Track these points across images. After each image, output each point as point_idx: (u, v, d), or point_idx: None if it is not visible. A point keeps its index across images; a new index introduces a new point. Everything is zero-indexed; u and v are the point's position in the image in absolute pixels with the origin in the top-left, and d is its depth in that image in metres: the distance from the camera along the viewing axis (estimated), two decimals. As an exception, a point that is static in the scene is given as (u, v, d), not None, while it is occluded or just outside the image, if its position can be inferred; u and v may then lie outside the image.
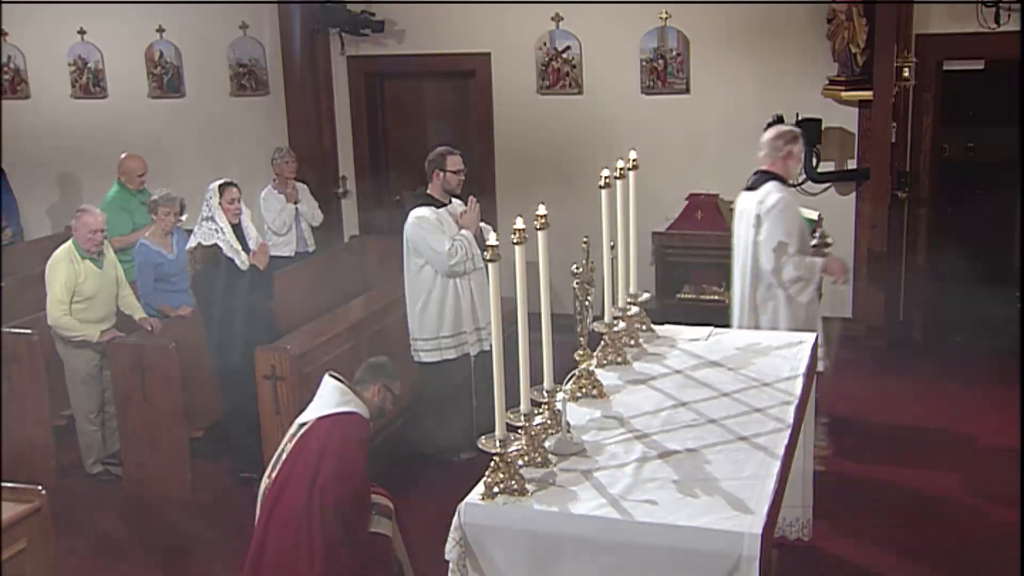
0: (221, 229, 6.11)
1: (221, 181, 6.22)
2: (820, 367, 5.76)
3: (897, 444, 6.53)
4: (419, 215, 6.26)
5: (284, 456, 4.53)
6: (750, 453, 3.71)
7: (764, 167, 5.97)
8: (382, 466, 6.29)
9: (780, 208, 5.77)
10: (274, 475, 4.52)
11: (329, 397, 4.59)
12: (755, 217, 5.81)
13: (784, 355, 4.71)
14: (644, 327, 4.95)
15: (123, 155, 8.01)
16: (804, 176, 8.33)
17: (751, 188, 5.99)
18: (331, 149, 9.69)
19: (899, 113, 7.93)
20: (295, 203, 8.23)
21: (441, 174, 6.33)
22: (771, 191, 5.83)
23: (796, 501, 4.93)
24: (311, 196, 8.47)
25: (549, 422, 3.80)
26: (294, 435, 4.56)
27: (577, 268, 4.06)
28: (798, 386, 4.33)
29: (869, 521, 5.58)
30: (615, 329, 4.62)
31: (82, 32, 10.33)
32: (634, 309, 4.80)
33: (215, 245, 6.09)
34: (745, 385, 4.35)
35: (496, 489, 3.45)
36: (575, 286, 4.07)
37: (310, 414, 4.58)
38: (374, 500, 4.61)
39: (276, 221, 8.14)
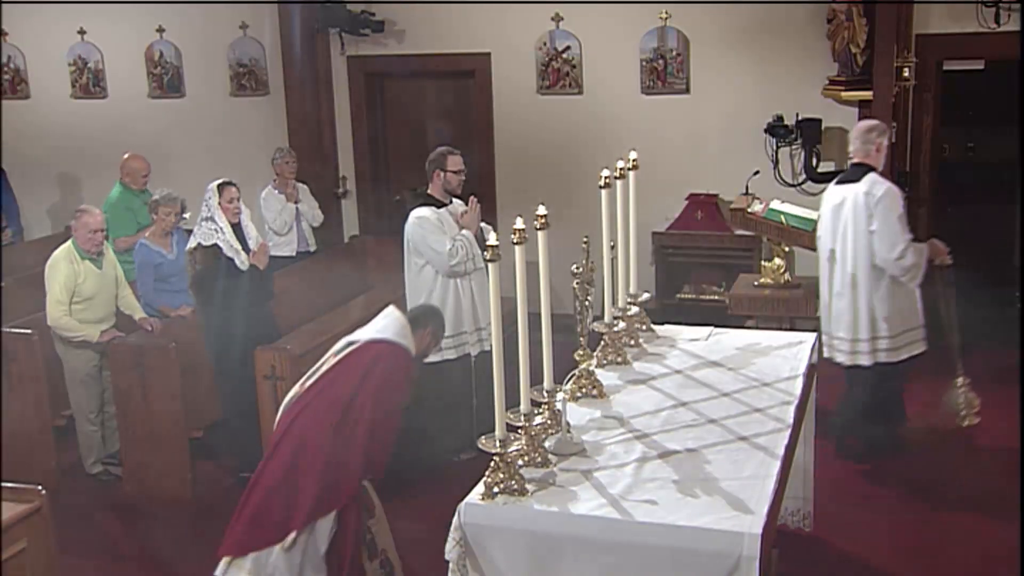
0: (221, 229, 6.10)
1: (220, 181, 6.22)
2: (921, 348, 6.08)
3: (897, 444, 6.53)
4: (420, 215, 6.26)
5: (323, 369, 4.52)
6: (750, 453, 3.71)
7: (857, 160, 6.07)
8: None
9: (891, 198, 5.90)
10: (308, 385, 4.52)
11: (389, 325, 4.58)
12: (864, 208, 5.90)
13: (784, 355, 4.71)
14: (644, 327, 4.95)
15: (126, 155, 8.02)
16: (804, 176, 8.34)
17: (846, 181, 6.08)
18: (331, 149, 9.69)
19: (899, 113, 7.92)
20: (296, 203, 8.24)
21: (442, 174, 6.33)
22: (876, 182, 5.95)
23: (797, 492, 4.94)
24: (311, 196, 8.48)
25: (549, 422, 3.80)
26: (339, 351, 4.56)
27: (577, 268, 4.06)
28: (798, 386, 4.33)
29: (869, 520, 5.59)
30: (615, 329, 4.63)
31: (82, 32, 10.33)
32: (634, 309, 4.81)
33: (215, 245, 6.09)
34: (745, 385, 4.35)
35: (496, 489, 3.46)
36: (575, 286, 4.07)
37: (362, 335, 4.57)
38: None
39: (277, 221, 8.14)
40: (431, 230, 6.21)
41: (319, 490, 4.33)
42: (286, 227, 8.19)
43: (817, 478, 5.07)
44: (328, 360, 4.58)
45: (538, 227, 3.62)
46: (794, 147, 8.30)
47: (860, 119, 8.14)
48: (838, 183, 6.17)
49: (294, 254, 8.19)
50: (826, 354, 6.16)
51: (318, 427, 4.38)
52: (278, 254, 7.71)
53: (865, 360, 6.02)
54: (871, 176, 5.98)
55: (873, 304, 5.97)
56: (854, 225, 5.95)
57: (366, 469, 4.45)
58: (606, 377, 4.40)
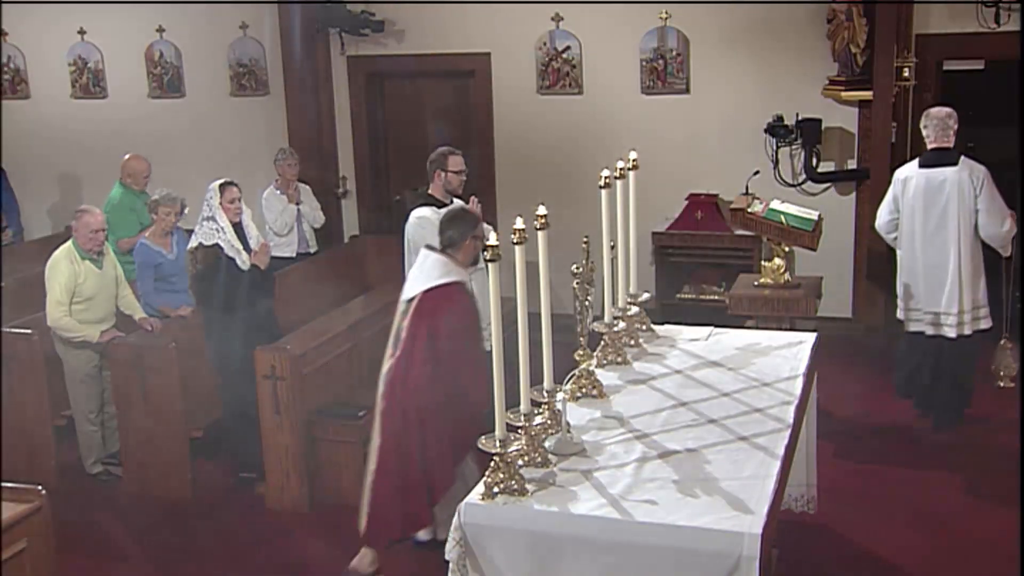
0: (222, 229, 6.11)
1: (222, 181, 6.22)
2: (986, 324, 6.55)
3: (897, 444, 6.54)
4: (420, 215, 6.25)
5: (403, 334, 4.85)
6: (750, 453, 3.71)
7: (938, 145, 6.40)
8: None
9: (990, 178, 6.38)
10: (397, 354, 4.84)
11: (432, 270, 4.87)
12: (970, 188, 6.32)
13: (784, 355, 4.71)
14: (644, 327, 4.95)
15: (127, 156, 8.01)
16: (804, 176, 8.34)
17: (934, 165, 6.39)
18: (331, 149, 9.69)
19: (899, 113, 7.93)
20: (297, 204, 8.23)
21: (442, 174, 6.33)
22: (973, 165, 6.38)
23: (801, 480, 4.94)
24: (313, 197, 8.47)
25: (549, 422, 3.80)
26: (405, 312, 4.91)
27: (577, 268, 4.06)
28: (798, 386, 4.33)
29: (869, 521, 5.58)
30: (615, 329, 4.62)
31: (82, 32, 10.33)
32: (634, 309, 4.80)
33: (216, 245, 6.09)
34: (745, 385, 4.35)
35: (496, 489, 3.46)
36: (575, 286, 4.08)
37: (414, 289, 4.88)
38: None
39: (278, 222, 8.13)
40: (431, 230, 6.18)
41: (450, 438, 4.73)
42: (287, 228, 8.18)
43: (819, 476, 5.06)
44: (401, 325, 4.90)
45: (538, 227, 3.62)
46: (794, 147, 8.30)
47: (860, 119, 8.17)
48: (923, 166, 6.43)
49: (295, 255, 8.17)
50: (913, 327, 6.57)
51: (417, 389, 4.70)
52: (279, 255, 7.70)
53: (968, 330, 6.43)
54: (965, 159, 6.37)
55: (974, 276, 6.41)
56: (959, 204, 6.32)
57: (474, 404, 4.72)
58: (606, 377, 4.40)
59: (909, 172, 6.51)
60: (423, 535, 5.19)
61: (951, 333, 6.39)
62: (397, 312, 4.97)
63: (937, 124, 6.37)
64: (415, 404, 4.76)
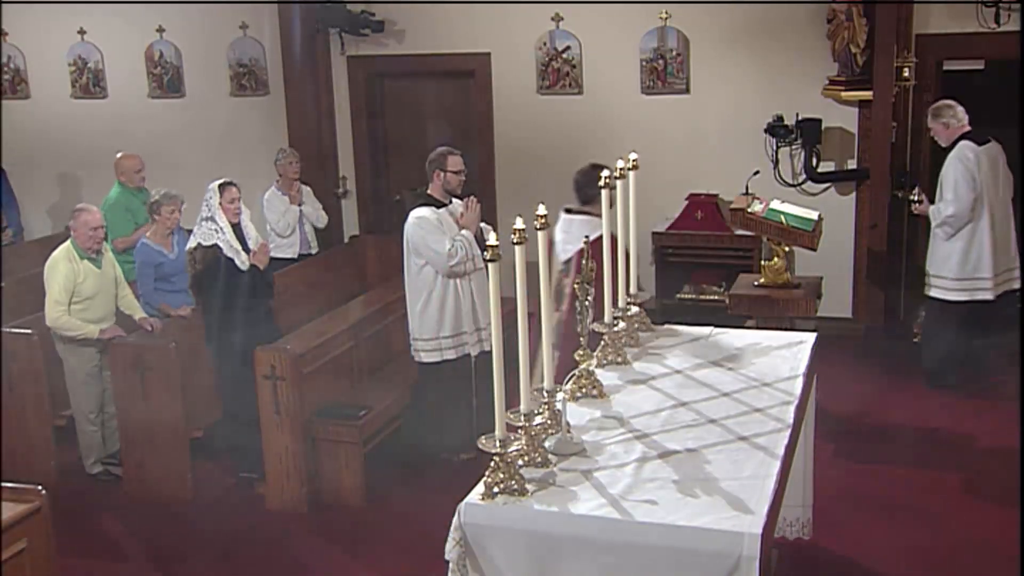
0: (221, 229, 6.11)
1: (221, 181, 6.22)
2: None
3: (897, 444, 6.54)
4: (419, 215, 6.26)
5: (567, 289, 5.29)
6: (750, 453, 3.71)
7: (967, 128, 7.09)
8: (382, 466, 6.30)
9: None
10: (566, 307, 5.38)
11: (580, 230, 5.40)
12: (1004, 159, 7.15)
13: (784, 355, 4.70)
14: (644, 327, 4.95)
15: (119, 155, 8.01)
16: (804, 176, 8.34)
17: (983, 142, 7.06)
18: (331, 149, 9.69)
19: (899, 113, 7.93)
20: (299, 205, 8.22)
21: (442, 174, 6.33)
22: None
23: (796, 500, 4.93)
24: (315, 198, 8.46)
25: (549, 422, 3.80)
26: (565, 271, 5.54)
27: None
28: (798, 386, 4.32)
29: (868, 521, 5.59)
30: (615, 329, 4.62)
31: (82, 32, 10.33)
32: (634, 309, 4.80)
33: (215, 245, 6.09)
34: (745, 385, 4.35)
35: (496, 489, 3.45)
36: (575, 286, 4.07)
37: (571, 250, 5.49)
38: None
39: (280, 223, 8.11)
40: (430, 230, 6.21)
41: None
42: (289, 229, 8.15)
43: (817, 479, 5.06)
44: (558, 283, 5.38)
45: (538, 227, 3.62)
46: (794, 147, 8.31)
47: (860, 119, 8.19)
48: (980, 144, 7.04)
49: (296, 256, 8.15)
50: (982, 296, 7.03)
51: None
52: (281, 256, 7.71)
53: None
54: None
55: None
56: (1005, 175, 7.14)
57: None
58: (606, 377, 4.40)
59: (974, 150, 7.04)
60: None
61: (1017, 284, 7.18)
62: (553, 275, 5.40)
63: (961, 110, 7.05)
64: None
